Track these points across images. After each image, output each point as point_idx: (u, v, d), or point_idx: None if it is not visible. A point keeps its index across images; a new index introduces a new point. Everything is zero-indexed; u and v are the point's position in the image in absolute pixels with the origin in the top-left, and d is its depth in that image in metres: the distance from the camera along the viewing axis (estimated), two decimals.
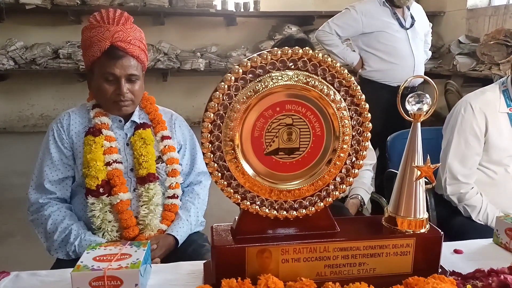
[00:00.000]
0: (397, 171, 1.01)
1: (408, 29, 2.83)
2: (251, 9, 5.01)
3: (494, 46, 4.00)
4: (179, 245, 1.50)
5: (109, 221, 1.44)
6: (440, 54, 4.96)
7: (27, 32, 4.75)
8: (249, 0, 5.11)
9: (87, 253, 0.96)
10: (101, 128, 1.48)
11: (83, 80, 4.74)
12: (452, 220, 1.79)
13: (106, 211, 1.44)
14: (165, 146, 1.54)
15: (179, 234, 1.50)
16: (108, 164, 1.45)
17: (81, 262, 0.92)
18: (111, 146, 1.47)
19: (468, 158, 1.70)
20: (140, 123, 1.54)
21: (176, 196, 1.56)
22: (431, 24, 3.16)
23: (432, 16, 4.64)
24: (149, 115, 1.58)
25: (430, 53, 3.24)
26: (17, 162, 3.99)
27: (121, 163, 1.48)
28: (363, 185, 1.94)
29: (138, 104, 1.55)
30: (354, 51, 2.99)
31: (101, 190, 1.44)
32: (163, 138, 1.56)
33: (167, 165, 1.54)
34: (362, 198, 1.87)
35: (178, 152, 1.60)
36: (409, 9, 2.87)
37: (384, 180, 2.05)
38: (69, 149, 1.48)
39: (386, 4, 2.81)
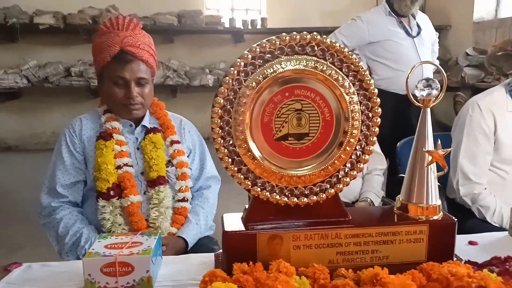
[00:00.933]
0: None
1: (414, 37, 2.85)
2: (259, 26, 5.10)
3: (502, 57, 3.99)
4: (189, 248, 1.49)
5: (119, 224, 1.45)
6: (448, 67, 4.97)
7: (40, 51, 4.88)
8: (256, 17, 5.21)
9: (99, 241, 0.96)
10: (112, 132, 1.50)
11: (94, 97, 4.83)
12: (466, 223, 1.76)
13: (116, 214, 1.44)
14: (174, 151, 1.56)
15: (189, 237, 1.49)
16: (119, 167, 1.46)
17: (93, 249, 0.92)
18: (122, 150, 1.49)
19: (479, 157, 1.69)
20: (150, 127, 1.56)
21: (186, 199, 1.56)
22: (437, 34, 3.18)
23: (439, 30, 4.67)
24: (159, 120, 1.60)
25: (437, 62, 3.26)
26: (28, 178, 4.03)
27: (132, 166, 1.49)
28: (373, 188, 1.93)
29: (148, 108, 1.57)
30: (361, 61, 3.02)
31: (111, 193, 1.45)
32: (173, 142, 1.57)
33: (176, 168, 1.55)
34: (372, 201, 1.86)
35: (188, 156, 1.61)
36: (414, 18, 2.90)
37: (395, 185, 2.04)
38: (81, 153, 1.50)
39: (392, 13, 2.85)
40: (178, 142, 1.58)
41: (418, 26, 2.90)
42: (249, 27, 5.08)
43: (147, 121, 1.56)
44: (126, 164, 1.48)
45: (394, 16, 2.85)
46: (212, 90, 5.00)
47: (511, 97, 1.70)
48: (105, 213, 1.43)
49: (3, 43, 4.80)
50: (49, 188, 1.49)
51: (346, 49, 0.90)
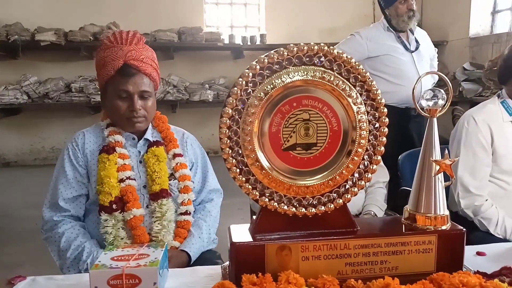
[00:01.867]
0: (410, 188, 1.01)
1: (413, 52, 2.88)
2: (258, 42, 5.15)
3: None
4: (192, 262, 1.48)
5: (122, 238, 1.43)
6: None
7: (41, 67, 4.91)
8: (255, 34, 5.27)
9: (105, 254, 0.95)
10: (115, 146, 1.50)
11: (94, 113, 4.84)
12: (470, 236, 1.75)
13: (119, 228, 1.43)
14: (177, 164, 1.55)
15: (191, 251, 1.48)
16: (121, 181, 1.46)
17: (99, 261, 0.91)
18: (125, 164, 1.49)
19: (478, 170, 1.70)
20: (153, 141, 1.56)
21: (188, 212, 1.55)
22: (436, 49, 3.23)
23: (435, 46, 4.75)
24: (161, 134, 1.60)
25: (437, 77, 3.29)
26: (27, 194, 4.01)
27: (134, 179, 1.49)
28: (376, 201, 1.92)
29: (150, 121, 1.57)
30: None
31: (114, 206, 1.43)
32: (175, 155, 1.57)
33: (179, 182, 1.54)
34: (375, 214, 1.85)
35: (190, 169, 1.60)
36: (413, 33, 2.94)
37: (396, 198, 2.04)
38: (83, 167, 1.50)
39: (390, 29, 2.90)
40: (180, 155, 1.58)
41: (417, 41, 2.94)
42: (249, 43, 5.13)
43: (149, 135, 1.56)
44: (128, 178, 1.47)
45: (392, 31, 2.90)
46: (211, 106, 5.03)
47: (504, 108, 1.72)
48: (107, 226, 1.42)
49: (4, 60, 4.83)
50: (51, 202, 1.49)
51: (353, 60, 0.91)
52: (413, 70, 2.86)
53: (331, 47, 0.90)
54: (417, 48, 2.90)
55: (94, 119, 4.67)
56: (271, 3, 5.51)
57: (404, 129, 2.82)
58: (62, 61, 4.94)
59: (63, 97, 4.73)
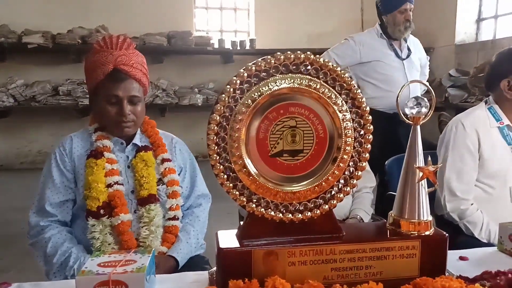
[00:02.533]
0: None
1: (404, 59, 2.93)
2: (247, 47, 5.18)
3: (484, 78, 4.13)
4: (180, 267, 1.48)
5: (109, 243, 1.43)
6: (432, 87, 5.10)
7: (28, 70, 4.86)
8: (245, 39, 5.30)
9: (92, 260, 0.94)
10: (103, 151, 1.49)
11: (82, 116, 4.80)
12: (455, 240, 1.78)
13: (106, 233, 1.42)
14: (165, 169, 1.55)
15: (179, 256, 1.48)
16: (109, 186, 1.45)
17: (86, 267, 0.91)
18: (113, 168, 1.48)
19: (465, 174, 1.73)
20: (141, 145, 1.56)
21: (176, 217, 1.55)
22: (428, 57, 3.27)
23: None
24: (150, 139, 1.60)
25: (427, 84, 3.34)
26: (13, 198, 3.95)
27: (122, 184, 1.48)
28: (363, 206, 1.95)
29: (139, 126, 1.57)
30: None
31: (101, 211, 1.43)
32: (164, 160, 1.57)
33: (167, 187, 1.54)
34: (362, 218, 1.88)
35: (179, 174, 1.61)
36: (406, 41, 2.99)
37: (384, 202, 2.06)
38: (71, 172, 1.49)
39: (383, 36, 2.94)
40: (169, 160, 1.58)
41: (408, 49, 2.99)
42: (238, 47, 5.16)
43: (138, 139, 1.56)
44: (116, 183, 1.47)
45: (385, 38, 2.94)
46: (200, 110, 5.03)
47: (491, 114, 1.76)
48: (94, 232, 1.41)
49: None
50: (38, 207, 1.47)
51: (338, 68, 0.93)
52: (402, 77, 2.90)
53: (317, 55, 0.91)
54: (408, 56, 2.95)
55: (81, 123, 4.63)
56: (261, 9, 5.55)
57: (393, 134, 2.86)
58: (49, 64, 4.90)
59: (50, 100, 4.69)
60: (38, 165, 4.89)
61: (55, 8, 4.84)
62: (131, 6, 5.04)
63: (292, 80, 0.90)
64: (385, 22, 2.93)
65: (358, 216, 1.89)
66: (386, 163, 2.17)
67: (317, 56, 0.91)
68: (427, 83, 1.04)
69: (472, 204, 1.72)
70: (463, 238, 1.75)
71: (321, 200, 0.96)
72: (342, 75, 0.93)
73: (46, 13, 4.80)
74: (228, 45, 5.17)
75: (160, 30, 4.95)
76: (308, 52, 0.91)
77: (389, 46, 2.93)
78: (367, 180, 2.06)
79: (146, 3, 5.08)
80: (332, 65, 0.93)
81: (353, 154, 0.96)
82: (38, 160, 5.04)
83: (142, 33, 4.89)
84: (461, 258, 1.12)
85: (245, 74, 0.89)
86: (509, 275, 0.89)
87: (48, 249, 1.41)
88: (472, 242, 1.70)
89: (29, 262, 1.51)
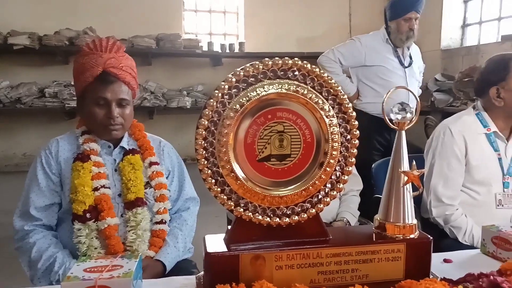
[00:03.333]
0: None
1: (406, 67, 2.94)
2: (236, 50, 5.18)
3: (469, 83, 4.20)
4: (167, 272, 1.47)
5: (95, 248, 1.42)
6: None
7: (13, 72, 4.78)
8: (234, 42, 5.30)
9: (77, 265, 0.94)
10: (89, 154, 1.49)
11: (69, 118, 4.74)
12: (440, 243, 1.81)
13: (92, 237, 1.42)
14: (153, 172, 1.55)
15: (167, 260, 1.48)
16: (96, 189, 1.45)
17: (71, 273, 0.90)
18: (100, 172, 1.48)
19: (451, 180, 1.75)
20: (129, 149, 1.55)
21: (164, 221, 1.55)
22: (424, 65, 3.28)
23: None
24: (137, 142, 1.60)
25: (420, 91, 3.36)
26: None
27: (109, 188, 1.48)
28: (349, 209, 1.98)
29: (127, 129, 1.57)
30: (352, 81, 3.07)
31: (88, 215, 1.42)
32: (151, 164, 1.57)
33: (155, 190, 1.54)
34: (348, 221, 1.90)
35: (167, 178, 1.60)
36: (408, 49, 3.00)
37: (371, 205, 2.08)
38: (57, 175, 1.48)
39: (389, 41, 2.93)
40: (157, 163, 1.58)
41: (410, 57, 3.00)
42: (227, 50, 5.15)
43: (125, 143, 1.56)
44: (103, 186, 1.47)
45: (390, 44, 2.93)
46: (189, 112, 5.01)
47: (479, 120, 1.78)
48: (80, 236, 1.41)
49: None
50: (22, 211, 1.46)
51: (325, 74, 0.94)
52: (403, 85, 2.89)
53: (304, 61, 0.92)
54: (410, 64, 2.96)
55: (68, 125, 4.58)
56: (250, 12, 5.55)
57: (388, 138, 2.88)
58: (36, 66, 4.83)
59: (37, 103, 4.61)
60: (23, 168, 4.81)
61: (42, 9, 4.77)
62: (119, 8, 5.00)
63: (280, 86, 0.91)
64: (390, 28, 2.91)
65: (345, 219, 1.91)
66: (372, 166, 2.20)
67: (305, 62, 0.93)
68: (411, 90, 1.06)
69: (457, 209, 1.74)
70: (448, 241, 1.78)
71: (308, 204, 0.97)
72: (329, 81, 0.94)
73: (33, 14, 4.74)
74: (217, 48, 5.16)
75: (149, 32, 4.91)
76: (296, 58, 0.92)
77: (394, 53, 2.93)
78: (354, 183, 2.09)
79: (134, 5, 5.05)
80: (320, 71, 0.94)
81: (340, 159, 0.97)
82: (23, 163, 4.95)
83: (130, 35, 4.85)
84: (445, 260, 1.14)
85: (233, 79, 0.90)
86: (491, 277, 0.91)
87: (33, 254, 1.39)
88: (456, 245, 1.73)
89: (14, 266, 1.48)
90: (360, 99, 3.00)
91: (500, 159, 1.74)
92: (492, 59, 1.81)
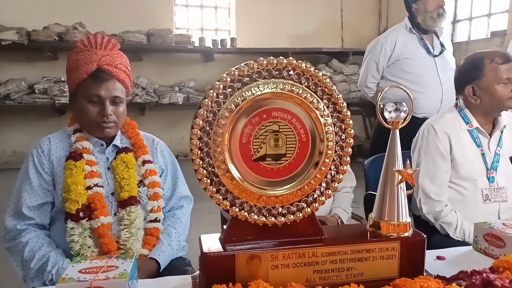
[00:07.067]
0: (375, 192, 1.05)
1: (436, 56, 2.66)
2: (228, 46, 5.17)
3: None
4: (161, 270, 1.47)
5: (89, 246, 1.41)
6: None
7: (2, 68, 4.72)
8: (226, 37, 5.28)
9: (72, 266, 0.93)
10: (82, 152, 1.47)
11: (59, 115, 4.70)
12: (431, 239, 1.83)
13: (85, 236, 1.40)
14: (146, 170, 1.54)
15: (161, 258, 1.48)
16: (88, 188, 1.43)
17: (66, 274, 0.89)
18: (92, 170, 1.46)
19: (438, 177, 1.78)
20: (122, 147, 1.54)
21: (158, 220, 1.54)
22: (454, 59, 2.91)
23: None
24: (130, 140, 1.59)
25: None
26: None
27: (102, 187, 1.47)
28: (342, 205, 1.99)
29: (120, 127, 1.56)
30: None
31: (81, 214, 1.41)
32: (145, 162, 1.56)
33: (148, 188, 1.53)
34: (340, 217, 1.91)
35: (160, 176, 1.60)
36: (438, 37, 2.72)
37: (364, 201, 2.10)
38: (49, 174, 1.46)
39: (413, 30, 2.68)
40: (150, 161, 1.57)
41: (442, 45, 2.70)
42: (219, 46, 5.14)
43: (118, 141, 1.55)
44: (96, 185, 1.45)
45: (415, 32, 2.67)
46: (181, 108, 5.00)
47: (461, 117, 1.81)
48: (74, 235, 1.39)
49: None
50: (14, 210, 1.44)
51: (320, 73, 0.94)
52: (434, 77, 2.63)
53: (300, 61, 0.92)
54: (441, 53, 2.66)
55: (58, 122, 4.54)
56: (242, 7, 5.54)
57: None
58: (24, 62, 4.77)
59: (26, 99, 4.56)
60: (12, 165, 4.76)
61: (30, 4, 4.71)
62: (110, 3, 4.95)
63: (274, 85, 0.91)
64: (415, 11, 2.63)
65: (337, 215, 1.93)
66: (365, 163, 2.21)
67: (300, 61, 0.92)
68: (405, 89, 1.07)
69: (446, 206, 1.77)
70: (439, 237, 1.80)
71: (303, 204, 0.97)
72: (324, 80, 0.94)
73: (21, 9, 4.67)
74: (208, 44, 5.14)
75: (139, 27, 4.88)
76: (291, 58, 0.91)
77: (419, 41, 2.64)
78: (348, 180, 2.10)
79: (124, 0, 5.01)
80: (315, 70, 0.94)
81: (335, 158, 0.98)
82: (12, 160, 4.90)
83: (121, 31, 4.82)
84: (438, 257, 1.16)
85: (228, 79, 0.89)
86: (484, 275, 0.93)
87: (26, 254, 1.38)
88: (447, 240, 1.75)
89: (5, 267, 1.46)
90: (384, 96, 2.90)
91: (483, 154, 1.77)
92: (468, 58, 1.83)
